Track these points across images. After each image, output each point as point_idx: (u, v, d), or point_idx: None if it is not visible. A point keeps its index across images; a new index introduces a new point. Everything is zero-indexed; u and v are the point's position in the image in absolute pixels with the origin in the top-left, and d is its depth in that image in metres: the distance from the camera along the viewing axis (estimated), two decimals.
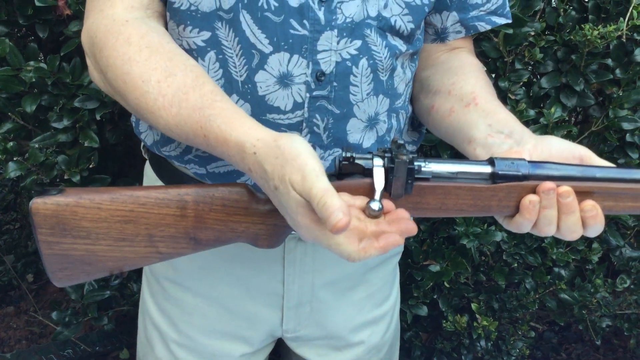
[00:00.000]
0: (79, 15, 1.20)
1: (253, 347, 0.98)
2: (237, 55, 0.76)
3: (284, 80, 0.77)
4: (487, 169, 0.70)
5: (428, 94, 0.91)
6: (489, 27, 0.91)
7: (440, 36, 0.92)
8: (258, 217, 0.70)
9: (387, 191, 0.67)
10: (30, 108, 1.21)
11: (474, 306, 1.49)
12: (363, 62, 0.79)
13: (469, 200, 0.70)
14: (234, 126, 0.65)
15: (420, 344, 1.66)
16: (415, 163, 0.67)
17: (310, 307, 0.96)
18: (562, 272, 1.51)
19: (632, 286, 1.53)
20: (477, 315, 1.48)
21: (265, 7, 0.74)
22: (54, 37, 1.29)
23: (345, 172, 0.67)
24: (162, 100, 0.69)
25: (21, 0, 1.19)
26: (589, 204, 0.69)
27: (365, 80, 0.80)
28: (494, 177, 0.69)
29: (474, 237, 1.36)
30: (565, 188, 0.68)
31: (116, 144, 1.37)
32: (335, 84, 0.78)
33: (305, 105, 0.78)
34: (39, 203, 0.65)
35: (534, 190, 0.69)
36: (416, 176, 0.67)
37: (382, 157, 0.66)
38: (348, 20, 0.76)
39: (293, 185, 0.59)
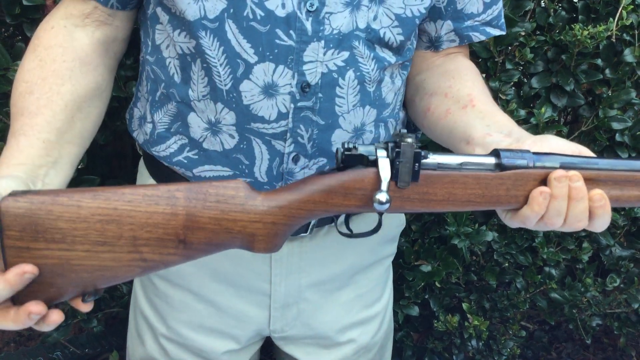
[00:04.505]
0: None
1: (240, 344, 0.98)
2: (221, 64, 0.76)
3: (269, 90, 0.76)
4: (492, 160, 0.68)
5: (424, 96, 0.90)
6: (483, 38, 0.91)
7: (434, 44, 0.92)
8: (255, 214, 0.65)
9: (393, 180, 0.65)
10: None
11: (465, 306, 1.49)
12: (350, 73, 0.78)
13: (477, 190, 0.68)
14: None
15: (411, 344, 1.66)
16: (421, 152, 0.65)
17: (297, 309, 0.96)
18: (553, 271, 1.52)
19: (622, 285, 1.54)
20: (468, 315, 1.48)
21: (251, 16, 0.73)
22: None
23: (347, 164, 0.66)
24: (13, 110, 0.76)
25: None
26: (597, 192, 0.68)
27: (351, 91, 0.79)
28: (500, 168, 0.68)
29: (465, 237, 1.36)
30: (575, 172, 0.67)
31: (105, 145, 1.36)
32: (320, 95, 0.78)
33: (290, 115, 0.78)
34: (9, 201, 0.57)
35: (542, 178, 0.68)
36: (422, 166, 0.65)
37: (386, 148, 0.65)
38: (335, 31, 0.76)
39: None
